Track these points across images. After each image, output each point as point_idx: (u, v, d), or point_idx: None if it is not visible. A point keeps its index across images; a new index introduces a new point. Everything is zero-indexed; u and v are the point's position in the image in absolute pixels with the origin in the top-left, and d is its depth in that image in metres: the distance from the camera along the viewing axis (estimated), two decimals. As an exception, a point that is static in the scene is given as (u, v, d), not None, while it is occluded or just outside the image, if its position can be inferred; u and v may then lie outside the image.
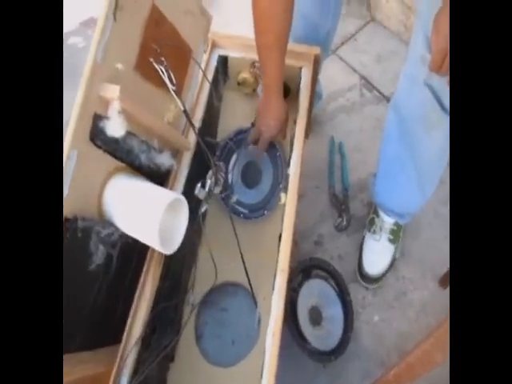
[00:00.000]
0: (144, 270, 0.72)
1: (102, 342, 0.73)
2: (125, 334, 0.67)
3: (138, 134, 0.72)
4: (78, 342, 0.68)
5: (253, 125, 1.02)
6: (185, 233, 0.73)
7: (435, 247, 1.16)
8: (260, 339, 0.93)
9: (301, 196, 1.13)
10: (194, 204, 0.84)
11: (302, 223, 1.12)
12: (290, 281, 1.02)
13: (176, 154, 0.81)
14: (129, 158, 0.72)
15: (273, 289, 0.77)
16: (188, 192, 0.82)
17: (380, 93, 1.33)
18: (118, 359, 0.66)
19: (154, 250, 0.75)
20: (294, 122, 0.87)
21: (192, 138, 0.85)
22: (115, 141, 0.68)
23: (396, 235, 1.11)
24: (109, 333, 0.74)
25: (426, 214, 1.21)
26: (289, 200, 0.79)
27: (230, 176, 1.00)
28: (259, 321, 0.96)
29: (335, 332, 1.00)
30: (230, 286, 1.01)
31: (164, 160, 0.77)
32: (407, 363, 0.72)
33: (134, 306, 0.69)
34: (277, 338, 0.66)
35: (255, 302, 0.96)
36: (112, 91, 0.62)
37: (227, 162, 1.01)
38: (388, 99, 1.32)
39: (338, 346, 0.98)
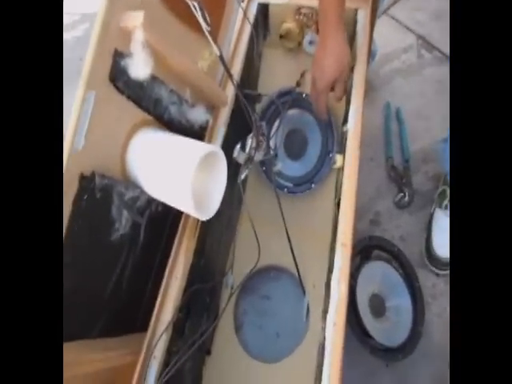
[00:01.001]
0: (175, 243, 0.61)
1: (129, 329, 0.62)
2: (153, 317, 0.56)
3: (167, 81, 0.60)
4: (99, 327, 0.57)
5: (298, 84, 0.89)
6: (222, 200, 0.61)
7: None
8: (309, 333, 0.80)
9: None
10: (232, 169, 0.72)
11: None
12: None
13: (212, 109, 0.69)
14: (157, 109, 0.61)
15: (329, 271, 0.64)
16: (226, 155, 0.71)
17: (442, 53, 1.17)
18: (144, 347, 0.54)
19: (187, 221, 0.63)
20: (351, 70, 0.73)
21: (230, 91, 0.73)
22: (140, 85, 0.57)
23: None
24: (137, 318, 0.63)
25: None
26: (348, 160, 0.66)
27: (272, 142, 0.88)
28: (308, 312, 0.83)
29: (403, 325, 0.85)
30: (272, 271, 0.88)
31: (198, 115, 0.66)
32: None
33: (163, 285, 0.58)
34: (340, 328, 0.53)
35: (303, 290, 0.83)
36: (134, 19, 0.51)
37: (269, 127, 0.88)
38: (451, 60, 1.15)
39: (407, 342, 0.82)
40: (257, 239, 0.74)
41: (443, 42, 1.18)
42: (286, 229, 0.79)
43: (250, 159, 0.71)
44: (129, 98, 0.56)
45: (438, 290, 0.93)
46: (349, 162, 0.65)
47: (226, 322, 0.81)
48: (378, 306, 0.88)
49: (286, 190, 0.89)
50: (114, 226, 0.56)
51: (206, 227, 0.68)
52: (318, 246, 0.84)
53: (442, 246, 0.93)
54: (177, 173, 0.53)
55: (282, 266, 0.87)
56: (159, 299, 0.57)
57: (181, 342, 0.60)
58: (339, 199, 0.64)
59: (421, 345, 0.83)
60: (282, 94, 0.89)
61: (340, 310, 0.53)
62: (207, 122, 0.67)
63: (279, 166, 0.81)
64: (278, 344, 0.80)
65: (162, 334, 0.55)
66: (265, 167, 0.90)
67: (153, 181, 0.56)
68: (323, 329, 0.59)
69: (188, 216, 0.63)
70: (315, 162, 0.88)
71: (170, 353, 0.57)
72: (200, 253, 0.66)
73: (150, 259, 0.64)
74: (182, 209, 0.56)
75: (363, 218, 0.99)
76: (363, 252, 0.88)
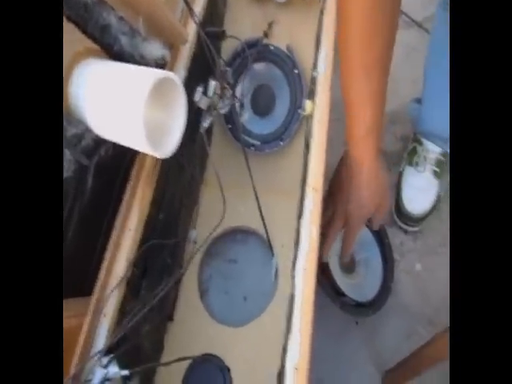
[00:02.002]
0: (128, 192, 0.54)
1: (75, 292, 0.55)
2: (103, 270, 0.49)
3: (116, 7, 0.53)
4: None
5: (265, 35, 0.83)
6: (184, 151, 0.54)
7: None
8: (277, 293, 0.75)
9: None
10: (193, 117, 0.65)
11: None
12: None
13: (169, 47, 0.62)
14: (104, 38, 0.53)
15: (299, 217, 0.59)
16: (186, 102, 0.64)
17: (409, 17, 1.14)
18: (93, 303, 0.48)
19: (142, 168, 0.56)
20: (321, 12, 0.68)
21: (191, 29, 0.66)
22: (84, 5, 0.49)
23: (442, 168, 0.94)
24: (85, 280, 0.56)
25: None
26: (319, 104, 0.61)
27: (238, 95, 0.82)
28: (276, 273, 0.78)
29: (373, 280, 0.82)
30: (239, 234, 0.83)
31: (153, 50, 0.59)
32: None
33: (114, 236, 0.51)
34: (311, 273, 0.48)
35: (271, 250, 0.78)
36: None
37: (235, 81, 0.81)
38: (419, 24, 1.12)
39: (377, 298, 0.80)
40: (222, 194, 0.68)
41: (411, 6, 1.15)
42: (254, 188, 0.74)
43: (213, 106, 0.65)
44: (69, 19, 0.48)
45: (406, 247, 0.92)
46: (319, 105, 0.61)
47: (189, 288, 0.75)
48: (349, 263, 0.85)
49: (253, 148, 0.83)
50: (55, 166, 0.48)
51: (165, 177, 0.61)
52: (288, 205, 0.79)
53: (411, 201, 0.92)
54: (126, 104, 0.46)
55: (249, 228, 0.82)
56: (110, 251, 0.50)
57: (136, 302, 0.53)
58: (308, 143, 0.59)
59: (389, 302, 0.82)
60: (249, 46, 0.82)
61: (311, 255, 0.49)
62: (163, 58, 0.60)
63: (246, 117, 0.75)
64: (246, 307, 0.76)
65: (113, 289, 0.48)
66: (230, 125, 0.83)
67: (100, 115, 0.49)
68: (292, 277, 0.54)
69: (143, 163, 0.57)
70: (284, 118, 0.83)
71: (122, 312, 0.50)
72: (158, 205, 0.60)
73: (101, 212, 0.57)
74: (134, 146, 0.50)
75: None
76: None
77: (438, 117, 0.89)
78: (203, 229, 0.73)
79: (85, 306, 0.50)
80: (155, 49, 0.59)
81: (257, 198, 0.73)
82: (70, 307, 0.52)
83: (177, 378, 0.66)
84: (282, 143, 0.82)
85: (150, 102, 0.50)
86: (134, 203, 0.54)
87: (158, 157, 0.49)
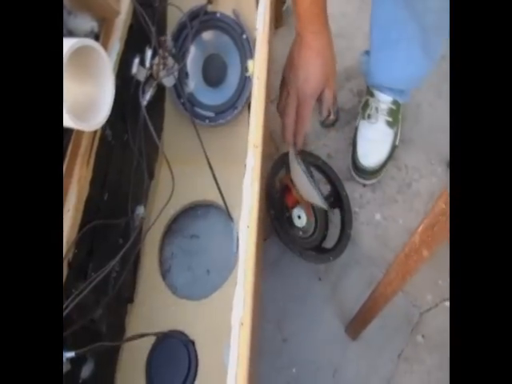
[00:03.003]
0: (64, 172, 0.52)
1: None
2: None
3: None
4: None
5: (209, 1, 0.79)
6: (127, 127, 0.52)
7: (440, 129, 0.97)
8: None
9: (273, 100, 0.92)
10: (133, 90, 0.63)
11: (276, 123, 0.90)
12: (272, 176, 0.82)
13: (100, 19, 0.59)
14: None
15: None
16: (124, 77, 0.61)
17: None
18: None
19: (77, 147, 0.54)
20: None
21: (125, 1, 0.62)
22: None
23: (395, 117, 0.92)
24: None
25: (426, 94, 1.02)
26: (258, 61, 0.59)
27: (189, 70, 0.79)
28: (238, 240, 0.78)
29: (331, 231, 0.83)
30: (199, 208, 0.82)
31: (80, 24, 0.55)
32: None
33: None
34: (253, 230, 0.47)
35: (231, 218, 0.77)
36: None
37: (183, 54, 0.78)
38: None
39: (337, 244, 0.81)
40: (170, 170, 0.66)
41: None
42: (208, 160, 0.72)
43: (152, 76, 0.62)
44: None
45: (365, 199, 0.92)
46: (257, 61, 0.58)
47: (150, 268, 0.74)
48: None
49: (207, 120, 0.81)
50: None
51: (108, 156, 0.59)
52: (243, 172, 0.78)
53: (366, 155, 0.90)
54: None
55: (209, 201, 0.80)
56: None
57: (84, 285, 0.52)
58: (249, 103, 0.57)
59: (351, 253, 0.82)
60: (194, 15, 0.79)
61: (253, 211, 0.48)
62: (92, 30, 0.56)
63: (192, 86, 0.72)
64: (209, 281, 0.75)
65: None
66: (182, 99, 0.81)
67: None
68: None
69: (79, 142, 0.54)
70: (236, 86, 0.80)
71: (67, 296, 0.49)
72: (101, 185, 0.57)
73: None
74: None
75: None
76: (288, 165, 0.82)
77: (385, 68, 0.87)
78: (161, 205, 0.71)
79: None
80: (83, 22, 0.55)
81: (211, 169, 0.72)
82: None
83: (140, 357, 0.65)
84: (235, 111, 0.80)
85: (74, 74, 0.48)
86: (71, 184, 0.52)
87: (86, 130, 0.46)
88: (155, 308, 0.69)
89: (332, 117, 0.92)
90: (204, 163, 0.72)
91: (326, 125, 0.98)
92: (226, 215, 0.77)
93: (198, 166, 0.75)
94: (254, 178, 0.50)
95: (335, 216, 0.87)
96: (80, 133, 0.55)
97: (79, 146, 0.54)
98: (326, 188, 0.88)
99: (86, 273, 0.54)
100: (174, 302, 0.70)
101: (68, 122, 0.44)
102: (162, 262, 0.76)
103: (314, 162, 0.88)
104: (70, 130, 0.55)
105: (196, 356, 0.65)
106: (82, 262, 0.53)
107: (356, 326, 0.76)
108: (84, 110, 0.48)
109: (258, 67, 0.58)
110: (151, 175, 0.79)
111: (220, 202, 0.78)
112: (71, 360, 0.46)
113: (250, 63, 0.68)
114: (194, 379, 0.64)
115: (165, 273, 0.75)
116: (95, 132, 0.57)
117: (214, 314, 0.68)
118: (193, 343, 0.66)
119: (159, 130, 0.80)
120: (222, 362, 0.63)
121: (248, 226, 0.47)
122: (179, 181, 0.70)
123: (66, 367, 0.46)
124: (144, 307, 0.69)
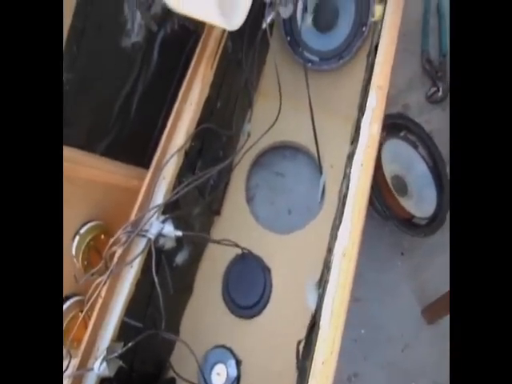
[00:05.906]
0: (190, 70, 0.54)
1: (137, 160, 0.57)
2: (163, 137, 0.50)
3: None
4: (105, 144, 0.52)
5: None
6: (243, 47, 0.53)
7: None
8: (322, 212, 0.74)
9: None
10: (257, 10, 0.64)
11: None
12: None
13: None
14: None
15: (352, 141, 0.57)
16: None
17: None
18: (153, 165, 0.49)
19: (204, 49, 0.56)
20: None
21: None
22: None
23: None
24: (145, 152, 0.57)
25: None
26: (390, 7, 0.58)
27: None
28: (323, 191, 0.77)
29: (429, 198, 0.81)
30: (288, 149, 0.82)
31: None
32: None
33: (175, 108, 0.51)
34: (368, 171, 0.47)
35: (321, 169, 0.77)
36: None
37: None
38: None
39: (429, 223, 0.78)
40: (280, 101, 0.67)
41: None
42: (310, 104, 0.71)
43: (272, 4, 0.63)
44: None
45: None
46: (391, 8, 0.57)
47: (237, 191, 0.75)
48: (400, 184, 0.82)
49: (310, 64, 0.81)
50: (126, 26, 0.49)
51: (224, 67, 0.61)
52: (341, 126, 0.77)
53: None
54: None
55: (298, 143, 0.81)
56: (171, 120, 0.50)
57: (189, 178, 0.54)
58: (377, 44, 0.56)
59: (438, 234, 0.79)
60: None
61: (370, 151, 0.47)
62: None
63: (309, 22, 0.72)
64: (290, 220, 0.76)
65: (173, 155, 0.49)
66: (289, 37, 0.81)
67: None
68: (346, 175, 0.53)
69: (206, 44, 0.56)
70: (346, 35, 0.80)
71: (179, 181, 0.51)
72: (217, 90, 0.59)
73: (164, 89, 0.58)
74: (204, 16, 0.49)
75: (389, 110, 0.92)
76: (391, 127, 0.81)
77: None
78: (254, 136, 0.73)
79: (142, 174, 0.52)
80: None
81: (312, 114, 0.72)
82: (131, 172, 0.54)
83: (220, 265, 0.68)
84: (341, 61, 0.79)
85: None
86: (195, 81, 0.54)
87: (228, 28, 0.48)
88: (237, 228, 0.71)
89: (440, 94, 0.90)
90: (299, 103, 0.72)
91: (433, 100, 0.94)
92: (314, 162, 0.78)
93: (292, 105, 0.75)
94: (374, 120, 0.49)
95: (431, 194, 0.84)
96: (208, 37, 0.57)
97: (206, 49, 0.56)
98: (423, 167, 0.85)
99: (195, 169, 0.56)
100: (255, 228, 0.72)
101: (215, 17, 0.45)
102: (247, 189, 0.78)
103: (417, 132, 0.86)
104: (198, 33, 0.57)
105: (271, 283, 0.67)
106: (194, 156, 0.55)
107: (434, 311, 0.75)
108: (223, 6, 0.50)
109: (390, 14, 0.57)
110: (250, 104, 0.80)
111: (310, 146, 0.78)
112: (177, 239, 0.49)
113: (376, 8, 0.67)
114: (266, 304, 0.66)
115: (249, 200, 0.77)
116: (220, 40, 0.59)
117: (292, 249, 0.69)
118: (269, 271, 0.68)
119: (262, 63, 0.81)
120: (295, 294, 0.64)
121: (362, 164, 0.47)
122: (270, 117, 0.70)
123: (171, 243, 0.49)
124: (228, 223, 0.71)
